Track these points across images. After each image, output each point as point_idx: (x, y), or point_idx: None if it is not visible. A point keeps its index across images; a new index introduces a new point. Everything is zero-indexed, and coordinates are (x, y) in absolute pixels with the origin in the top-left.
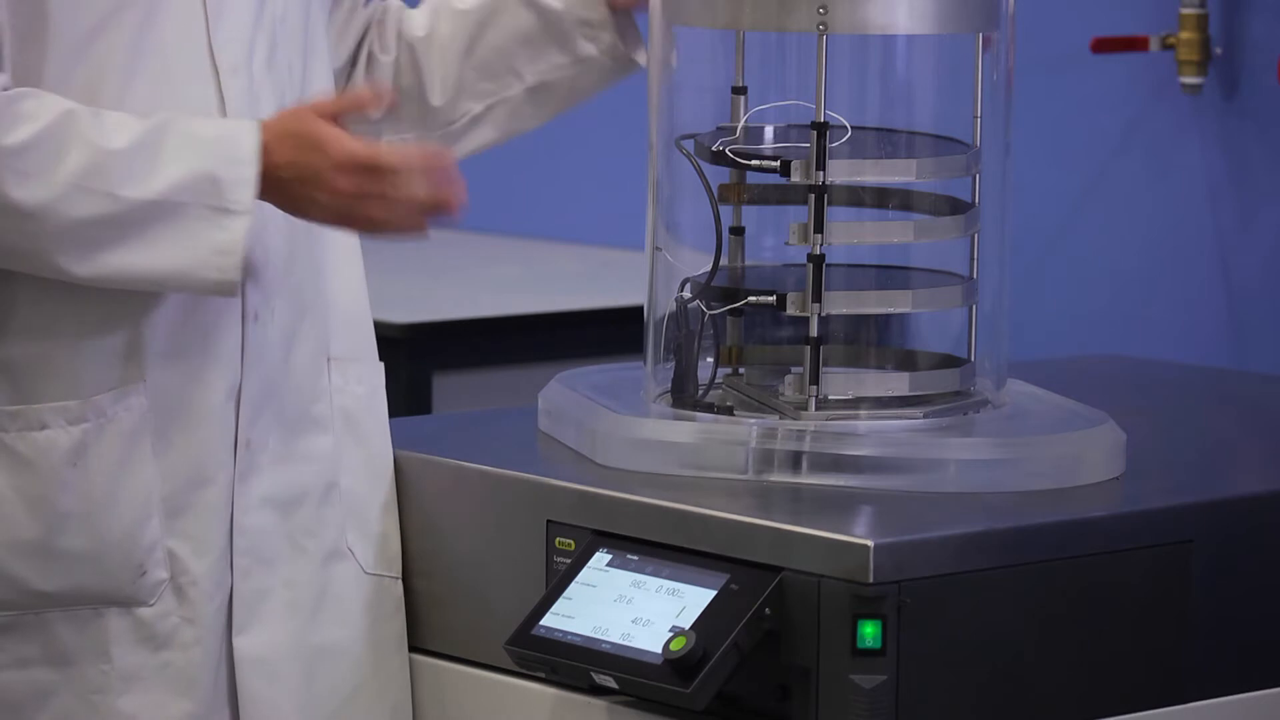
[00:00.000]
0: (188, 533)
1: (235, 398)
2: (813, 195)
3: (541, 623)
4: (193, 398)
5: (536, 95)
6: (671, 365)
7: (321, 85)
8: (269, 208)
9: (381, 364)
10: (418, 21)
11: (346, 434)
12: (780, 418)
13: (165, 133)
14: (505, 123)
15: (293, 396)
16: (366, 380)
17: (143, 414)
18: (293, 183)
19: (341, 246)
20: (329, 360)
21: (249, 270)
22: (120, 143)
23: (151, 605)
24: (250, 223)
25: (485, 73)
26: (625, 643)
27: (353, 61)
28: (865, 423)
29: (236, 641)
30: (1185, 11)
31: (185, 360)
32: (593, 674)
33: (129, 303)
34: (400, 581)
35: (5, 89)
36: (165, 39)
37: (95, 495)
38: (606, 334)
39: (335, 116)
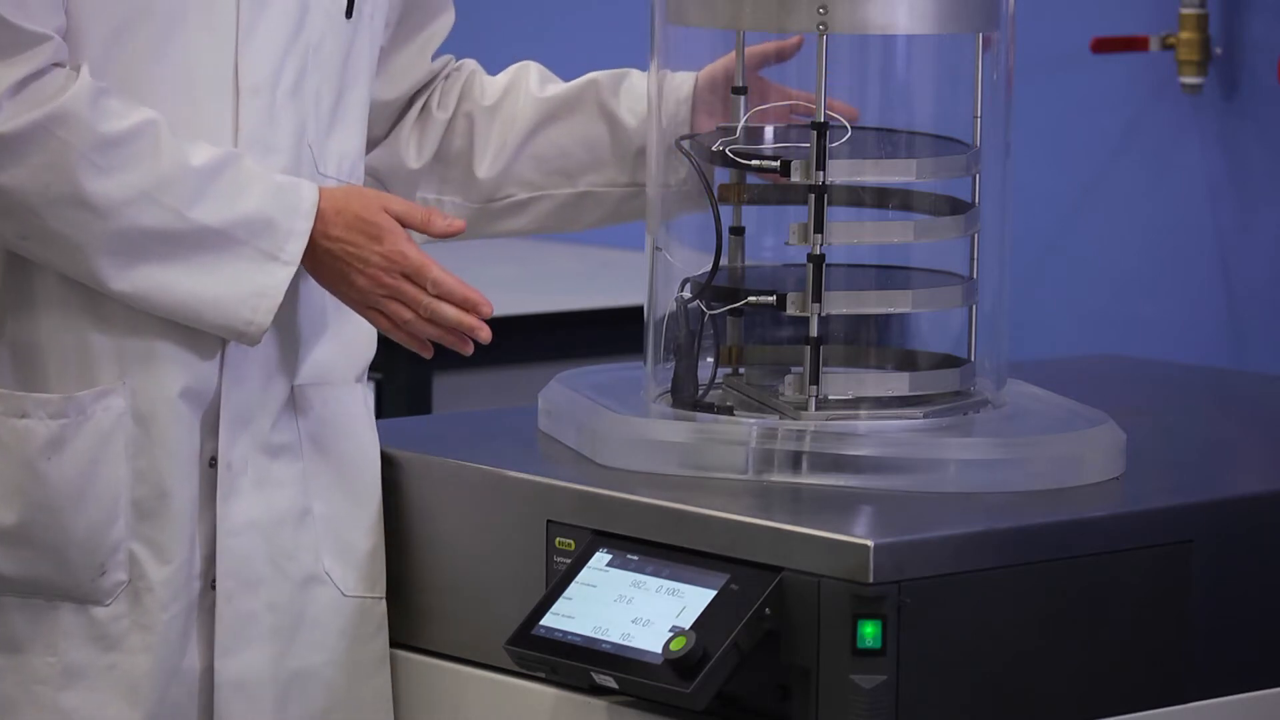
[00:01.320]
0: (151, 539)
1: (204, 410)
2: (813, 195)
3: (541, 623)
4: (168, 405)
5: (583, 202)
6: (671, 365)
7: (353, 121)
8: None
9: (360, 385)
10: (489, 91)
11: (317, 459)
12: (780, 418)
13: (237, 166)
14: (544, 219)
15: (267, 421)
16: (336, 404)
17: (119, 415)
18: (337, 258)
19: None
20: (293, 387)
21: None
22: (198, 162)
23: (107, 605)
24: (293, 276)
25: (539, 165)
26: (625, 643)
27: (407, 105)
28: (865, 423)
29: (218, 664)
30: (1185, 11)
31: (164, 367)
32: (593, 674)
33: (117, 304)
34: (384, 601)
35: (60, 32)
36: (190, 51)
37: (65, 490)
38: (606, 334)
39: (400, 217)
